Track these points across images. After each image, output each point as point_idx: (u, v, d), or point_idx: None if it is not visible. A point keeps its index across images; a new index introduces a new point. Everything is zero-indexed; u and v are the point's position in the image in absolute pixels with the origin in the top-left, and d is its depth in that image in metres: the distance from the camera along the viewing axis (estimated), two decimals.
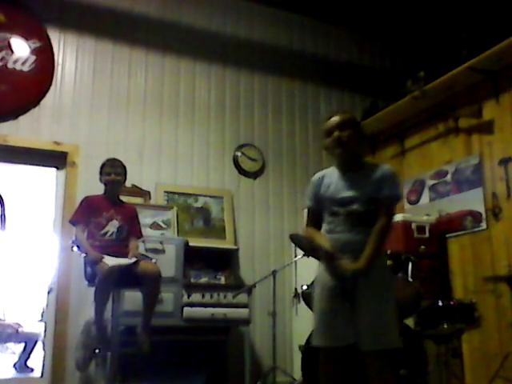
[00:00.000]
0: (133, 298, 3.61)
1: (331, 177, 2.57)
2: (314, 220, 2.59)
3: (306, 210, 2.68)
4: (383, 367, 2.37)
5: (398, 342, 2.36)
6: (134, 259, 3.35)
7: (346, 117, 2.55)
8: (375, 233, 2.40)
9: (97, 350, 3.54)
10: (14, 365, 6.24)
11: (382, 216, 2.42)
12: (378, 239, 2.41)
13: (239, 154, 5.31)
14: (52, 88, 4.68)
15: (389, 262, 3.51)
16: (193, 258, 4.50)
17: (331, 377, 2.48)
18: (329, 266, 2.44)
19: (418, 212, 4.81)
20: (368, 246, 2.38)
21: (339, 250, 2.41)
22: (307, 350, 3.55)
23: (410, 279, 3.44)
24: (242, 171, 5.30)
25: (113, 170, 3.57)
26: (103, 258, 3.26)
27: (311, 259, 3.30)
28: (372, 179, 2.48)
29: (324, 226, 2.54)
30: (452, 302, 3.52)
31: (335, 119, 2.52)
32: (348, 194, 2.47)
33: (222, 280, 4.67)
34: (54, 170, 4.76)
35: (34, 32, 4.66)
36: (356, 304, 2.39)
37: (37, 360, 5.71)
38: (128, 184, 4.05)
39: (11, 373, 6.06)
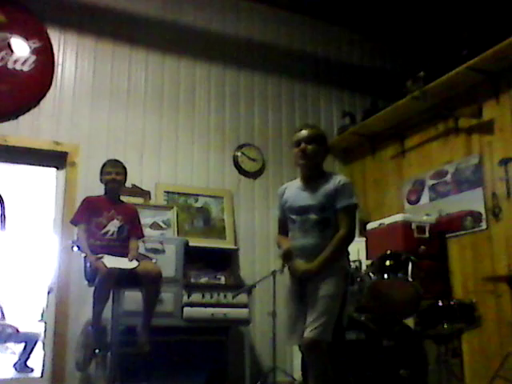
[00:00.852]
0: (133, 298, 3.61)
1: (292, 188, 2.85)
2: (283, 228, 2.88)
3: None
4: (318, 358, 2.55)
5: (328, 336, 2.52)
6: (134, 264, 3.35)
7: (314, 132, 2.81)
8: (334, 240, 2.65)
9: (97, 350, 3.54)
10: (14, 365, 6.24)
11: (342, 226, 2.67)
12: (335, 246, 2.65)
13: (239, 154, 5.31)
14: (52, 88, 4.68)
15: (389, 262, 3.52)
16: (193, 257, 4.49)
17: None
18: (285, 266, 2.75)
19: (418, 212, 4.80)
20: (325, 250, 2.62)
21: (297, 254, 2.69)
22: None
23: (410, 279, 3.43)
24: (241, 171, 5.30)
25: (113, 170, 3.58)
26: (102, 257, 3.26)
27: None
28: (327, 189, 2.72)
29: (289, 233, 2.82)
30: (452, 302, 3.52)
31: (304, 133, 2.78)
32: (304, 203, 2.74)
33: (222, 280, 4.66)
34: (54, 170, 4.76)
35: (34, 32, 4.66)
36: (308, 307, 2.63)
37: (37, 360, 5.71)
38: (128, 184, 4.05)
39: (11, 373, 6.06)
